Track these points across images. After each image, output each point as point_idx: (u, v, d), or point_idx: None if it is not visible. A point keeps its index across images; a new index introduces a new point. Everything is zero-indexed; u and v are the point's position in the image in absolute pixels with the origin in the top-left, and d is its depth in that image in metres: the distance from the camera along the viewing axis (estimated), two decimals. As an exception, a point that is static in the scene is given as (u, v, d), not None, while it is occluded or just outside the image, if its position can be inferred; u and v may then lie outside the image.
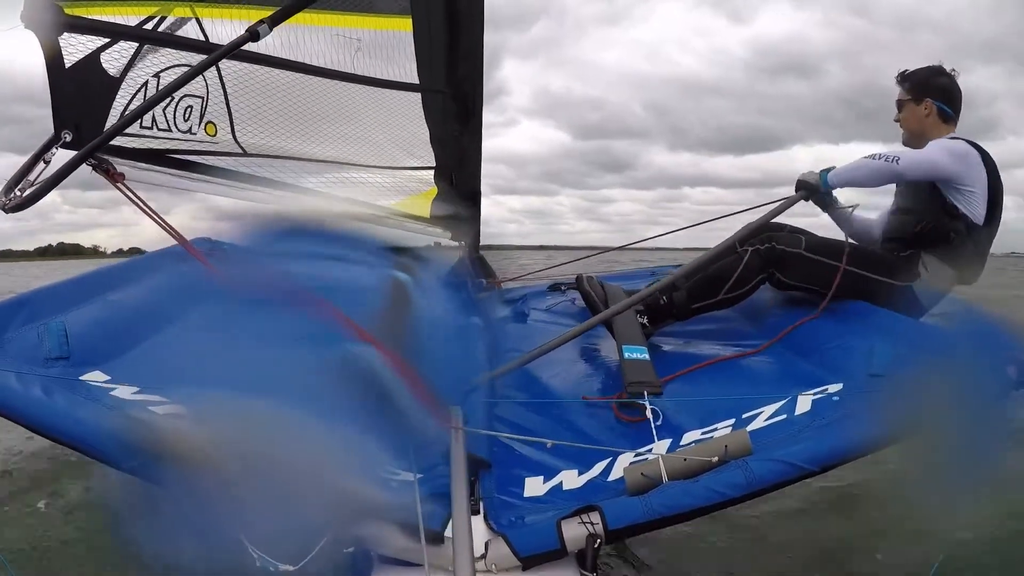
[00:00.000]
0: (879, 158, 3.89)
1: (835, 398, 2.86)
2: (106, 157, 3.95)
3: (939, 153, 3.89)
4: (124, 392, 2.50)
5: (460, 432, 2.45)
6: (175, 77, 4.15)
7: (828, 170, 4.08)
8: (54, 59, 3.75)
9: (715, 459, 2.35)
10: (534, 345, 3.84)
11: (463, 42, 5.60)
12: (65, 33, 3.77)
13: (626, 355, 3.58)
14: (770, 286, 4.20)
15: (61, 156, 3.72)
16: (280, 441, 1.82)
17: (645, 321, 4.14)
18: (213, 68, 4.55)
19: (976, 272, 4.10)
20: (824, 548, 3.92)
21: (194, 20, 4.43)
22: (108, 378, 2.60)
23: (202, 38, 4.48)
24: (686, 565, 3.83)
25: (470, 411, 2.85)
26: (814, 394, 2.92)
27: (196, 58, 4.37)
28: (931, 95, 4.21)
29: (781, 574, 3.72)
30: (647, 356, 3.60)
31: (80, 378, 2.56)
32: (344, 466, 1.89)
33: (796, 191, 4.21)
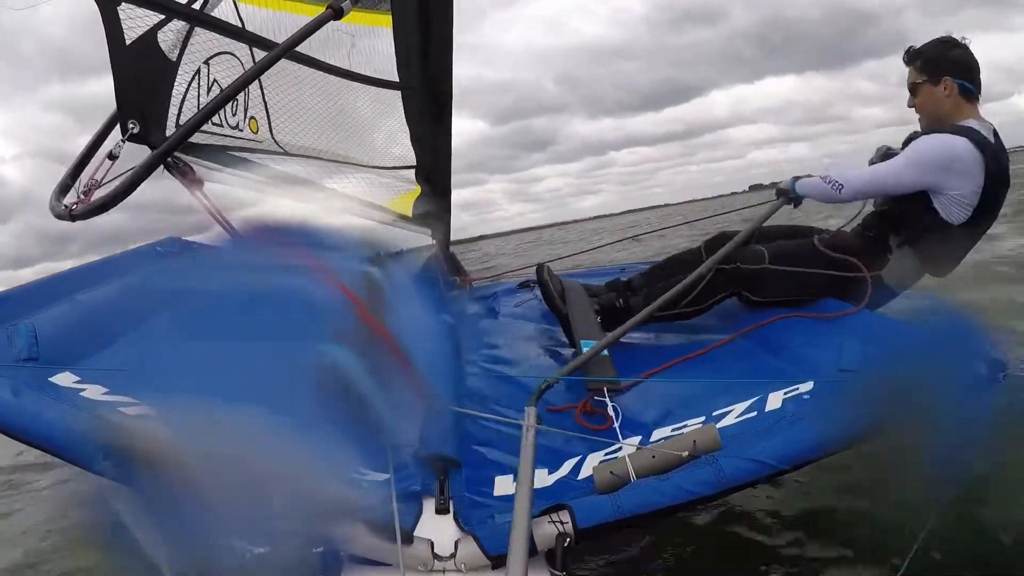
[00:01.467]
0: (828, 182, 3.87)
1: (805, 396, 2.86)
2: (182, 156, 3.76)
3: (903, 173, 3.72)
4: (94, 393, 2.49)
5: (531, 431, 2.44)
6: (224, 66, 4.04)
7: (798, 178, 4.15)
8: (115, 32, 3.50)
9: (684, 454, 2.35)
10: (504, 342, 3.86)
11: (434, 38, 5.57)
12: (123, 3, 3.52)
13: (585, 351, 3.57)
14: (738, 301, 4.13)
15: (129, 151, 3.50)
16: (248, 442, 1.82)
17: (599, 321, 4.13)
18: (251, 58, 4.41)
19: (947, 269, 4.00)
20: (796, 543, 3.93)
21: (232, 3, 4.32)
22: (78, 379, 2.58)
23: (238, 23, 4.36)
24: (647, 565, 3.85)
25: (438, 411, 2.86)
26: (784, 392, 2.91)
27: (234, 45, 4.28)
28: (949, 72, 3.81)
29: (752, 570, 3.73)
30: (606, 352, 3.62)
31: (50, 379, 2.54)
32: (312, 467, 1.89)
33: (777, 197, 4.27)
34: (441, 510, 2.35)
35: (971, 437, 2.28)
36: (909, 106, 4.05)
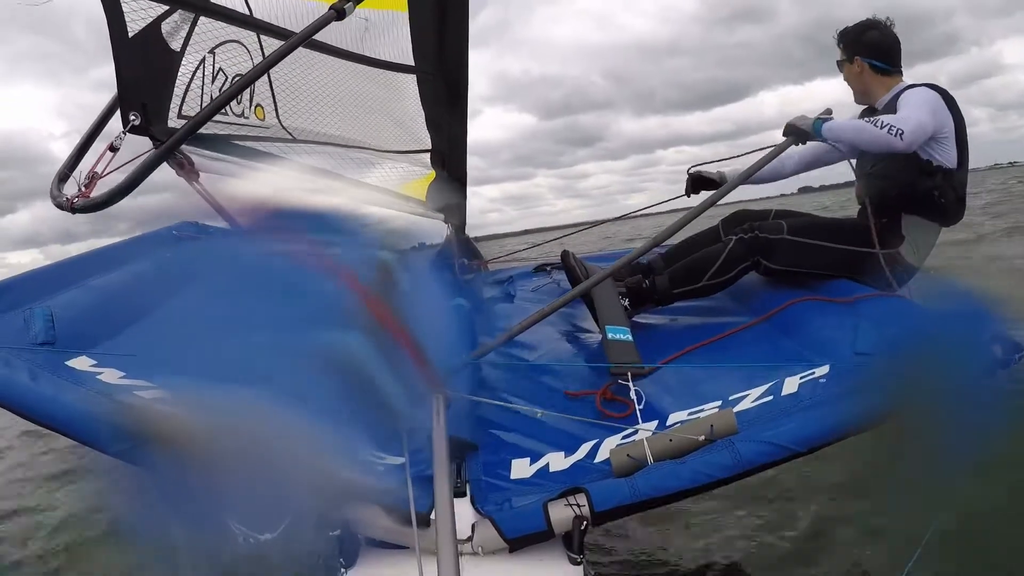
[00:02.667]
0: (882, 126, 3.69)
1: (822, 380, 2.85)
2: (181, 148, 3.73)
3: (927, 114, 3.77)
4: (110, 377, 2.50)
5: (441, 415, 2.44)
6: (230, 55, 4.01)
7: (823, 119, 3.92)
8: (117, 24, 3.50)
9: (701, 438, 2.35)
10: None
11: (450, 22, 5.54)
12: None
13: (609, 336, 3.58)
14: (756, 273, 4.13)
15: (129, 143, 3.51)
16: (264, 426, 1.82)
17: (627, 304, 4.13)
18: (258, 46, 4.40)
19: (959, 215, 4.04)
20: (811, 524, 3.93)
21: None
22: (94, 363, 2.60)
23: (246, 11, 4.30)
24: (662, 546, 3.86)
25: (458, 390, 2.86)
26: (801, 377, 2.91)
27: (241, 33, 4.25)
28: (861, 53, 4.22)
29: (765, 552, 3.73)
30: (630, 337, 3.61)
31: (66, 363, 2.56)
32: (329, 451, 1.89)
33: (785, 135, 4.07)
34: (458, 493, 2.36)
35: (985, 420, 2.27)
36: (844, 81, 4.41)
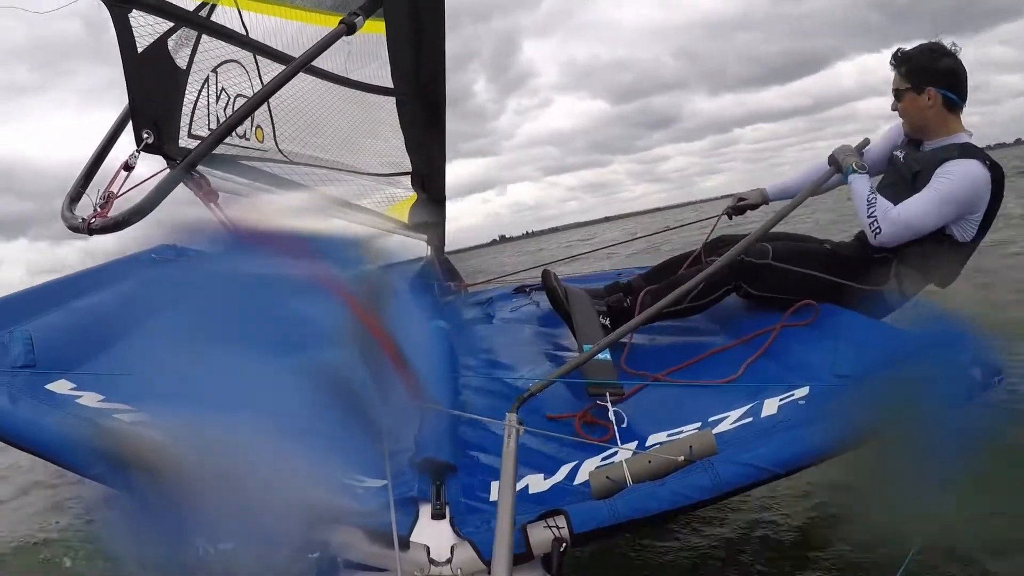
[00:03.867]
0: (870, 214, 3.72)
1: (801, 402, 2.86)
2: (199, 169, 3.68)
3: (932, 214, 3.67)
4: (90, 400, 2.49)
5: (513, 437, 2.43)
6: (231, 74, 4.01)
7: (855, 170, 3.89)
8: (127, 41, 3.49)
9: (680, 459, 2.35)
10: (501, 347, 3.85)
11: (426, 45, 5.55)
12: (134, 10, 3.49)
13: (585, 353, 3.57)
14: (737, 295, 4.14)
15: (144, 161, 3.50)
16: (243, 448, 1.82)
17: (607, 323, 4.12)
18: (254, 66, 4.40)
19: (951, 279, 3.99)
20: (788, 548, 3.94)
21: (236, 11, 4.27)
22: (74, 386, 2.59)
23: (243, 31, 4.32)
24: (642, 570, 3.86)
25: (434, 416, 2.86)
26: (780, 399, 2.92)
27: (240, 53, 4.26)
28: (934, 82, 3.80)
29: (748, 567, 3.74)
30: (608, 356, 3.61)
31: (46, 386, 2.55)
32: (307, 473, 1.89)
33: (829, 164, 4.09)
34: (437, 515, 2.35)
35: (963, 442, 2.28)
36: (893, 109, 4.05)
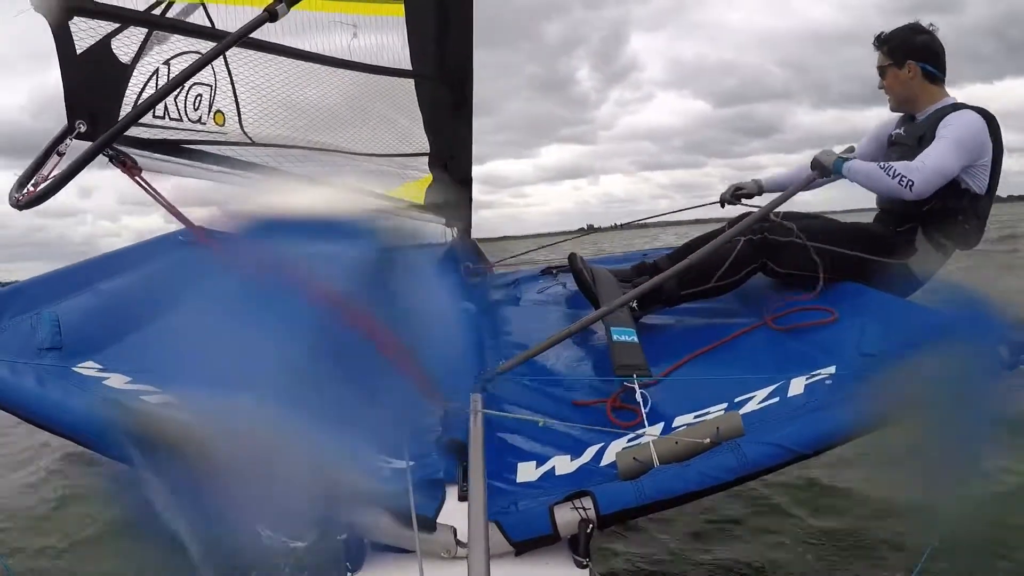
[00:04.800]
0: (894, 175, 3.73)
1: (828, 381, 2.85)
2: (123, 149, 3.84)
3: (951, 158, 3.76)
4: (116, 381, 2.51)
5: (479, 415, 2.44)
6: (186, 65, 4.09)
7: (844, 159, 3.98)
8: (65, 44, 3.61)
9: (707, 441, 2.34)
10: (527, 329, 3.84)
11: (454, 28, 5.54)
12: (75, 17, 3.64)
13: (615, 337, 3.57)
14: (763, 274, 4.15)
15: (76, 148, 3.58)
16: (269, 430, 1.83)
17: (634, 304, 4.12)
18: (221, 56, 4.47)
19: (977, 239, 4.04)
20: (815, 532, 3.94)
21: (201, 7, 4.32)
22: (100, 367, 2.60)
23: (209, 25, 4.36)
24: (669, 548, 3.87)
25: (461, 395, 2.86)
26: (807, 378, 2.90)
27: (204, 45, 4.28)
28: (913, 56, 4.08)
29: (771, 562, 3.74)
30: (636, 338, 3.60)
31: (73, 368, 2.56)
32: (335, 454, 1.90)
33: (811, 168, 4.15)
34: (464, 497, 2.36)
35: (990, 420, 2.27)
36: (879, 88, 4.30)
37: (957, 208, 3.87)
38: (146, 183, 3.79)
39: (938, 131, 3.87)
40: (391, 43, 5.49)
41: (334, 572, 2.15)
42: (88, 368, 2.59)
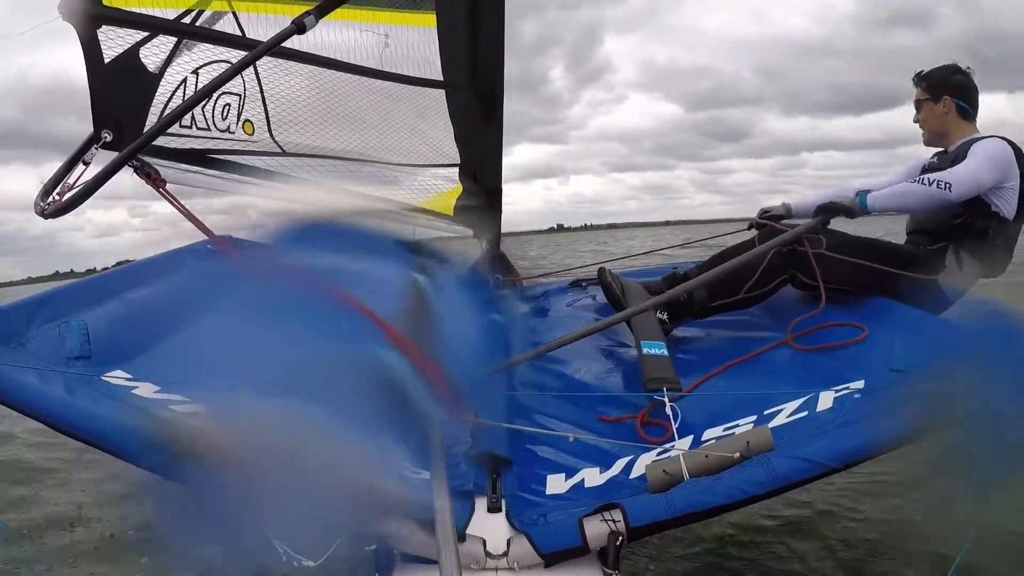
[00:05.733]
0: (929, 183, 3.83)
1: (856, 395, 2.84)
2: (147, 159, 3.86)
3: (984, 168, 3.85)
4: (145, 390, 2.51)
5: (440, 449, 2.44)
6: (215, 74, 4.10)
7: (866, 192, 4.02)
8: (92, 53, 3.66)
9: (737, 455, 2.35)
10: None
11: (485, 38, 5.53)
12: (104, 26, 3.69)
13: (644, 351, 3.57)
14: (791, 287, 4.17)
15: (101, 158, 3.65)
16: (301, 440, 1.83)
17: (665, 317, 4.13)
18: (250, 66, 4.48)
19: (1004, 265, 4.08)
20: (845, 541, 3.93)
21: (231, 15, 4.35)
22: (129, 376, 2.61)
23: (239, 33, 4.39)
24: (693, 562, 3.86)
25: (489, 406, 2.86)
26: (836, 391, 2.89)
27: (234, 54, 4.31)
28: (949, 92, 4.23)
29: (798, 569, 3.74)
30: (666, 352, 3.60)
31: (102, 377, 2.57)
32: (366, 464, 1.90)
33: (816, 215, 4.17)
34: (493, 508, 2.37)
35: (1019, 438, 2.25)
36: (914, 121, 4.47)
37: (986, 228, 3.93)
38: (170, 195, 3.81)
39: (969, 151, 3.97)
40: (423, 53, 5.50)
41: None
42: (117, 377, 2.59)
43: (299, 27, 3.23)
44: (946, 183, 3.77)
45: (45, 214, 3.34)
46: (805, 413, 2.82)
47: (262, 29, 4.44)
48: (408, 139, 5.80)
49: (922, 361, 2.89)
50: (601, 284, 4.55)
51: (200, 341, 2.87)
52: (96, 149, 3.69)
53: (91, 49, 3.66)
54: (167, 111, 4.08)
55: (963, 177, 3.81)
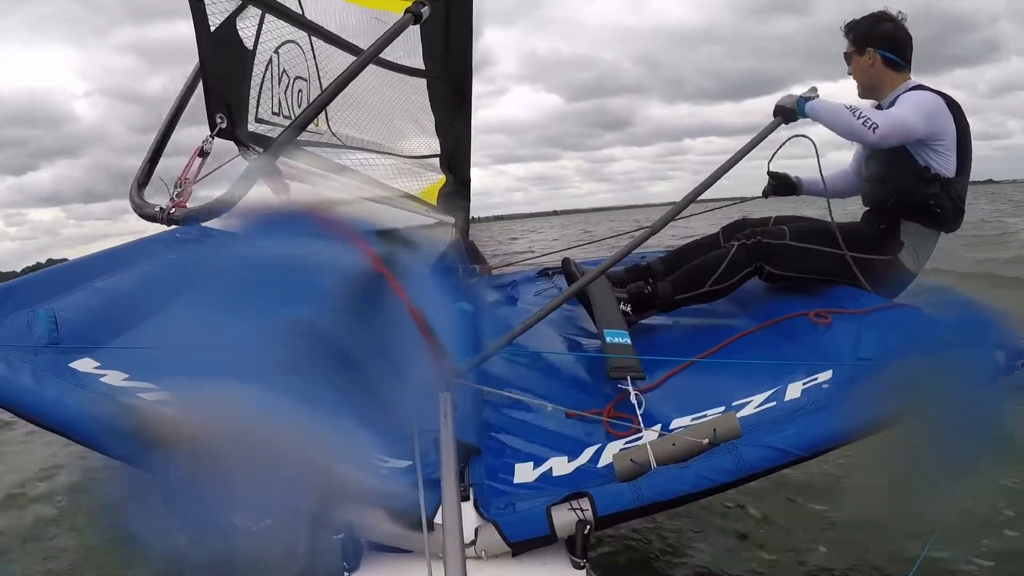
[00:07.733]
0: (859, 116, 3.75)
1: (825, 385, 2.86)
2: (253, 147, 3.70)
3: (912, 116, 3.80)
4: (114, 378, 2.49)
5: (449, 417, 2.44)
6: (290, 56, 3.98)
7: (807, 98, 3.94)
8: (201, 17, 3.47)
9: (705, 442, 2.35)
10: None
11: (455, 23, 5.52)
12: None
13: (608, 339, 3.59)
14: (759, 279, 4.16)
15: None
16: (267, 428, 1.83)
17: (628, 310, 4.13)
18: (310, 47, 4.37)
19: (957, 222, 4.06)
20: (811, 533, 3.95)
21: None
22: (98, 364, 2.59)
23: (298, 9, 4.30)
24: (666, 554, 3.87)
25: (459, 397, 2.86)
26: (804, 382, 2.92)
27: (297, 33, 4.24)
28: (873, 44, 4.15)
29: (767, 561, 3.75)
30: (628, 340, 3.61)
31: (70, 365, 2.55)
32: (332, 453, 1.90)
33: (774, 115, 4.06)
34: (461, 497, 2.36)
35: (987, 426, 2.28)
36: (848, 75, 4.37)
37: (928, 194, 3.88)
38: (292, 201, 3.69)
39: (897, 100, 3.98)
40: (409, 42, 5.48)
41: (330, 571, 2.15)
42: (85, 365, 2.57)
43: (416, 16, 3.16)
44: (873, 124, 3.72)
45: (172, 219, 3.23)
46: (774, 403, 2.84)
47: (317, 6, 4.40)
48: (410, 131, 5.82)
49: (890, 350, 2.91)
50: (565, 273, 4.57)
51: (169, 329, 2.86)
52: (212, 138, 3.55)
53: (199, 14, 3.48)
54: (262, 92, 4.00)
55: (889, 121, 3.76)
